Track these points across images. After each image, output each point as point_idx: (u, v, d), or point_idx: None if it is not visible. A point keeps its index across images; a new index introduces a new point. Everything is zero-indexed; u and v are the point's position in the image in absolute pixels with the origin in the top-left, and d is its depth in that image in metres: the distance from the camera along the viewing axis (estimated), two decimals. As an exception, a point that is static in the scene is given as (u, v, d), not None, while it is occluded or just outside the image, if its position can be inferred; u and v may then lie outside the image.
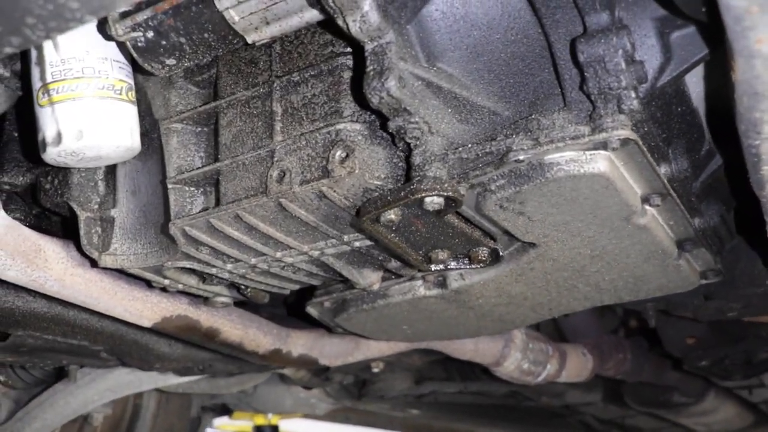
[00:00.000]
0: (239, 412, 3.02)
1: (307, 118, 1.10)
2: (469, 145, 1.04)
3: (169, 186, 1.20)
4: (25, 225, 1.40)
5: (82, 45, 1.14)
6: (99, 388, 2.03)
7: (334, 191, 1.06)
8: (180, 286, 1.38)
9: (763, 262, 1.53)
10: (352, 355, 1.99)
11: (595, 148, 0.99)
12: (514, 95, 1.06)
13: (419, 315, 1.59)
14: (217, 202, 1.18)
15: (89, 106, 1.13)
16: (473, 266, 1.27)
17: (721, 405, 3.16)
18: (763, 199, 1.08)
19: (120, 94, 1.17)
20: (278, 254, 1.26)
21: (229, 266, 1.30)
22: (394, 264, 1.34)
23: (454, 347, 2.02)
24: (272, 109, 1.13)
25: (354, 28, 0.96)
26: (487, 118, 1.07)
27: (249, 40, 1.06)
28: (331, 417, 3.40)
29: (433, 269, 1.28)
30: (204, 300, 1.52)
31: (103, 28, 1.10)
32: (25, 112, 1.35)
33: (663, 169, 1.11)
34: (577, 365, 2.27)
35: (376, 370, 2.17)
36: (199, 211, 1.21)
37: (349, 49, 1.09)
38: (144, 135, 1.24)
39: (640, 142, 0.98)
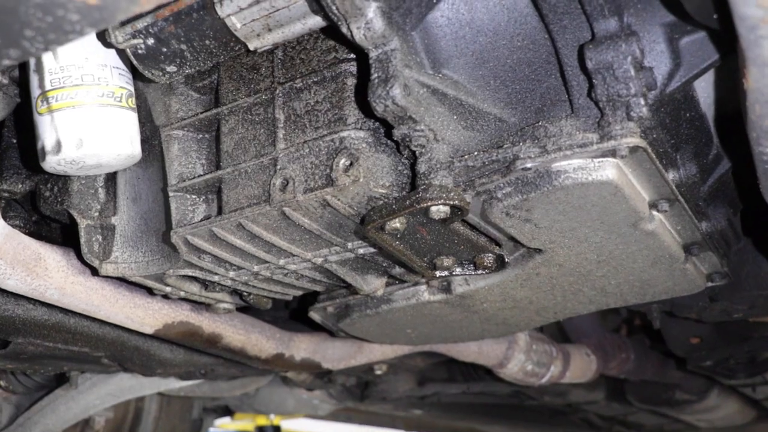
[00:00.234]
0: (241, 413, 3.01)
1: (310, 126, 1.08)
2: (475, 153, 1.03)
3: (171, 194, 1.19)
4: (25, 231, 1.39)
5: (81, 52, 1.12)
6: (100, 393, 2.02)
7: (338, 200, 1.05)
8: (182, 294, 1.37)
9: (771, 266, 1.52)
10: (355, 359, 1.97)
11: (604, 156, 0.97)
12: (521, 102, 1.04)
13: (423, 319, 1.58)
14: (219, 211, 1.16)
15: (89, 113, 1.12)
16: (478, 272, 1.26)
17: (724, 402, 3.16)
18: (773, 205, 1.06)
19: (120, 101, 1.15)
20: (281, 262, 1.24)
21: (231, 274, 1.29)
22: (398, 270, 1.33)
23: (457, 349, 2.01)
24: (275, 116, 1.12)
25: (358, 36, 0.94)
26: (493, 124, 1.05)
27: (251, 47, 1.04)
28: (333, 416, 3.39)
29: (437, 275, 1.27)
30: (206, 306, 1.51)
31: (102, 35, 1.08)
32: (24, 118, 1.34)
33: (671, 175, 1.10)
34: (580, 366, 2.26)
35: (379, 372, 2.15)
36: (201, 219, 1.19)
37: (352, 55, 1.08)
38: (144, 142, 1.23)
39: (649, 150, 0.97)
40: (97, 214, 1.29)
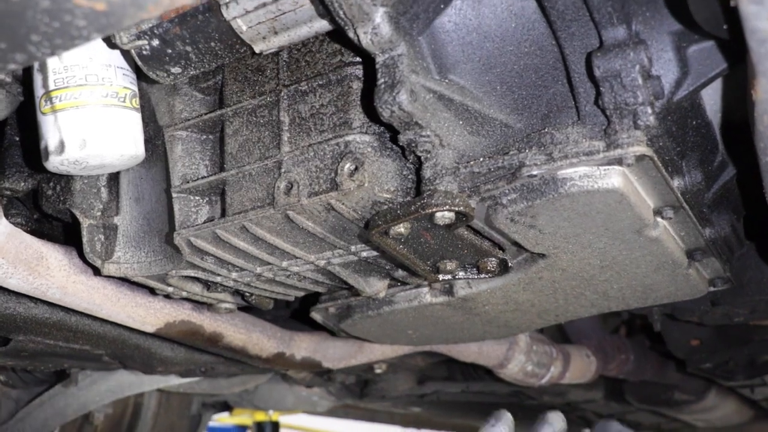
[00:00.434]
0: (239, 409, 3.01)
1: (315, 129, 1.08)
2: (481, 159, 1.03)
3: (174, 195, 1.18)
4: (26, 229, 1.38)
5: (86, 52, 1.12)
6: (100, 389, 2.02)
7: (343, 204, 1.04)
8: (184, 294, 1.37)
9: (773, 272, 1.52)
10: (356, 358, 1.97)
11: (610, 164, 0.97)
12: (527, 107, 1.04)
13: (425, 321, 1.57)
14: (223, 213, 1.16)
15: (93, 114, 1.11)
16: (481, 276, 1.26)
17: (722, 402, 3.17)
18: (778, 214, 1.06)
19: (124, 101, 1.15)
20: (284, 264, 1.24)
21: (234, 275, 1.29)
22: (400, 273, 1.33)
23: (458, 350, 2.01)
24: (279, 119, 1.11)
25: (365, 41, 0.93)
26: (498, 130, 1.05)
27: (257, 50, 1.04)
28: (331, 412, 3.40)
29: (440, 279, 1.27)
30: (208, 306, 1.51)
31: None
32: (26, 116, 1.33)
33: (676, 182, 1.10)
34: (580, 367, 2.26)
35: (378, 371, 2.15)
36: (205, 221, 1.19)
37: (358, 59, 1.07)
38: (148, 141, 1.22)
39: (656, 158, 0.96)
40: (99, 213, 1.29)
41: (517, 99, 1.04)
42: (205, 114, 1.19)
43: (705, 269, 1.41)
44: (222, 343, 1.64)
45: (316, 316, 1.59)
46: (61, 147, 1.11)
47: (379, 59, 0.96)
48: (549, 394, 2.78)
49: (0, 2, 0.66)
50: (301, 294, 1.45)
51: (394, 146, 1.06)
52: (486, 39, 1.01)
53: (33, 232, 1.37)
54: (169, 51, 1.05)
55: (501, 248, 1.24)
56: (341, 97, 1.07)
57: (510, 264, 1.24)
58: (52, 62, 1.11)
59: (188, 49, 1.05)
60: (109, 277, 1.31)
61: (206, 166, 1.21)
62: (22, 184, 1.35)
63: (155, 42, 1.04)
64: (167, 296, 1.40)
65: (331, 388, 2.71)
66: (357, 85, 1.06)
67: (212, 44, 1.04)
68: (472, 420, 3.65)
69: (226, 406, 3.08)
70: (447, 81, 1.01)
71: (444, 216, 1.00)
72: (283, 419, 3.83)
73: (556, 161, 0.97)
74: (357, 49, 0.98)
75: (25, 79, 1.21)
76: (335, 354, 1.94)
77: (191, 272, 1.26)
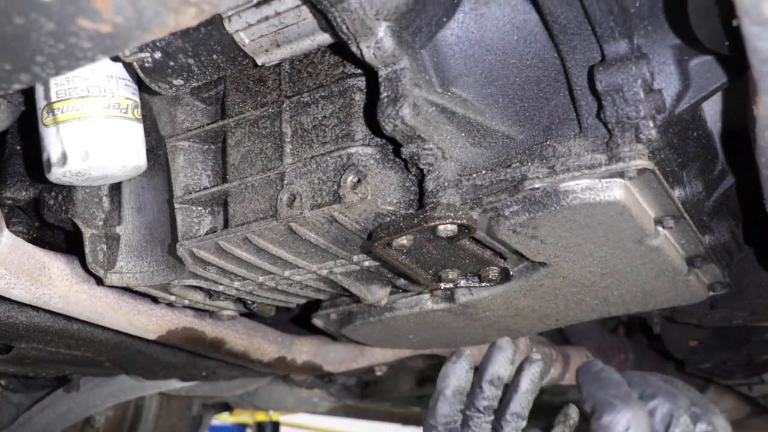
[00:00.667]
0: (240, 409, 3.02)
1: (317, 141, 1.08)
2: (483, 171, 1.03)
3: (177, 206, 1.19)
4: (28, 238, 1.38)
5: (88, 64, 1.11)
6: (101, 393, 2.02)
7: (346, 216, 1.05)
8: (186, 302, 1.37)
9: (772, 278, 1.53)
10: (356, 362, 1.98)
11: (612, 176, 0.98)
12: (529, 119, 1.04)
13: (426, 326, 1.58)
14: (226, 224, 1.16)
15: (95, 126, 1.11)
16: (483, 285, 1.26)
17: (720, 399, 3.18)
18: (778, 224, 1.07)
19: (126, 112, 1.15)
20: (286, 273, 1.24)
21: (236, 284, 1.29)
22: (402, 281, 1.33)
23: (458, 353, 2.01)
24: (282, 130, 1.11)
25: (368, 54, 0.94)
26: (501, 142, 1.05)
27: (259, 62, 1.04)
28: (331, 411, 3.40)
29: (442, 287, 1.27)
30: (210, 313, 1.51)
31: (109, 48, 1.07)
32: (28, 126, 1.33)
33: (677, 193, 1.10)
34: (580, 368, 2.27)
35: (379, 373, 2.16)
36: (207, 232, 1.19)
37: (360, 70, 1.07)
38: (149, 151, 1.22)
39: (657, 171, 0.97)
40: (101, 223, 1.29)
41: (519, 111, 1.04)
42: (207, 124, 1.19)
43: (704, 275, 1.42)
44: (224, 349, 1.65)
45: (317, 322, 1.60)
46: (64, 159, 1.11)
47: (382, 73, 0.96)
48: (549, 394, 2.79)
49: (5, 25, 0.66)
50: (303, 301, 1.45)
51: (396, 158, 1.06)
52: (488, 52, 1.01)
53: (34, 241, 1.38)
54: (172, 63, 1.05)
55: (502, 257, 1.24)
56: (343, 109, 1.07)
57: (511, 272, 1.25)
58: (54, 74, 1.11)
59: (190, 61, 1.05)
60: (111, 286, 1.31)
61: (208, 176, 1.21)
62: (24, 193, 1.35)
63: (158, 54, 1.04)
64: (169, 304, 1.40)
65: (332, 390, 2.72)
66: (359, 97, 1.07)
67: (214, 57, 1.04)
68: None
69: (226, 407, 3.08)
70: (449, 94, 1.01)
71: (447, 229, 1.00)
72: (284, 417, 3.84)
73: (558, 174, 0.98)
74: (359, 62, 0.98)
75: (27, 89, 1.21)
76: (336, 357, 1.95)
77: (194, 282, 1.27)
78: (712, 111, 1.12)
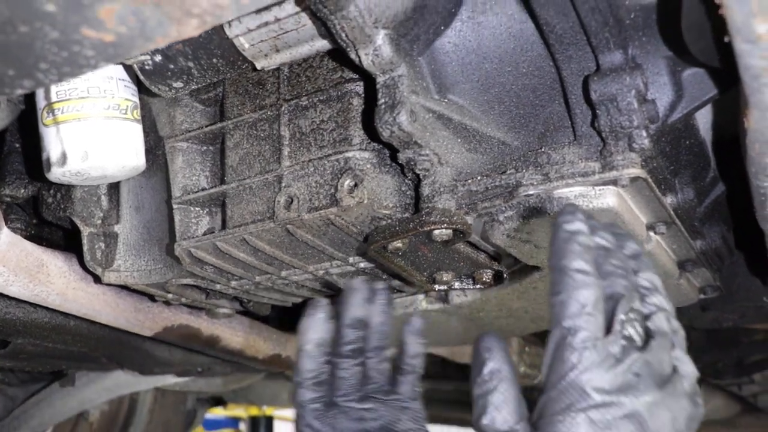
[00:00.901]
0: (234, 404, 3.03)
1: (315, 144, 1.09)
2: (479, 177, 1.04)
3: (175, 206, 1.20)
4: (25, 234, 1.39)
5: (88, 65, 1.12)
6: (97, 388, 2.03)
7: (342, 219, 1.06)
8: (183, 300, 1.39)
9: (761, 282, 1.55)
10: (351, 359, 1.99)
11: (605, 184, 0.99)
12: (524, 126, 1.06)
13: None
14: (223, 224, 1.17)
15: (95, 126, 1.12)
16: (477, 287, 1.28)
17: (710, 398, 3.21)
18: (767, 232, 1.09)
19: (125, 113, 1.16)
20: (283, 273, 1.26)
21: (233, 283, 1.30)
22: (397, 282, 1.35)
23: (452, 351, 2.03)
24: (280, 133, 1.12)
25: (366, 62, 0.95)
26: (496, 148, 1.07)
27: (258, 66, 1.05)
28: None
29: (437, 289, 1.29)
30: (206, 311, 1.52)
31: (109, 49, 1.08)
32: (26, 124, 1.34)
33: (669, 199, 1.12)
34: (571, 367, 2.29)
35: (372, 370, 2.17)
36: (205, 232, 1.20)
37: (358, 75, 1.08)
38: (148, 151, 1.23)
39: (650, 179, 0.98)
40: (99, 221, 1.30)
41: (515, 118, 1.05)
42: (206, 126, 1.20)
43: (695, 278, 1.44)
44: (219, 346, 1.66)
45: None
46: (64, 159, 1.12)
47: (380, 79, 0.97)
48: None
49: (10, 33, 0.67)
50: (299, 300, 1.47)
51: (393, 163, 1.08)
52: (485, 60, 1.02)
53: (32, 237, 1.39)
54: (172, 66, 1.06)
55: (496, 260, 1.26)
56: (341, 114, 1.08)
57: (505, 275, 1.26)
58: (55, 75, 1.12)
59: (190, 64, 1.06)
60: (109, 284, 1.33)
61: (206, 177, 1.23)
62: (23, 191, 1.36)
63: (158, 57, 1.05)
64: (166, 302, 1.41)
65: (325, 386, 2.73)
66: (357, 102, 1.08)
67: (214, 60, 1.05)
68: (466, 414, 3.69)
69: (220, 401, 3.10)
70: (446, 100, 1.03)
71: (442, 233, 1.02)
72: (278, 412, 3.86)
73: (552, 181, 0.99)
74: (357, 68, 0.99)
75: (27, 88, 1.22)
76: (330, 355, 1.96)
77: (191, 281, 1.28)
78: (704, 120, 1.14)
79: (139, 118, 1.19)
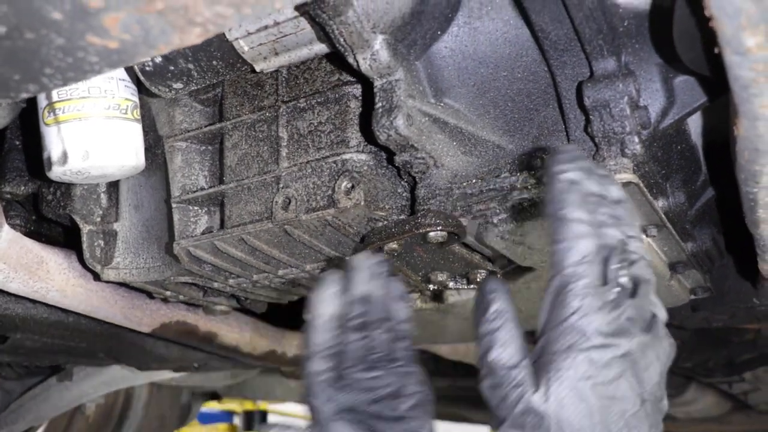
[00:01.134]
0: (228, 398, 3.05)
1: (313, 146, 1.11)
2: (474, 180, 1.06)
3: (174, 205, 1.21)
4: (25, 231, 1.41)
5: (89, 65, 1.13)
6: (94, 382, 2.05)
7: (339, 220, 1.08)
8: (181, 298, 1.40)
9: (751, 283, 1.57)
10: (346, 356, 2.01)
11: (597, 188, 1.01)
12: (519, 130, 1.07)
13: (415, 323, 1.61)
14: (222, 224, 1.19)
15: (95, 126, 1.14)
16: (471, 287, 1.30)
17: (701, 396, 3.24)
18: (757, 236, 1.11)
19: (126, 113, 1.17)
20: (280, 272, 1.27)
21: (231, 281, 1.32)
22: (392, 281, 1.36)
23: (446, 349, 2.05)
24: (278, 134, 1.14)
25: (364, 66, 0.96)
26: (491, 151, 1.08)
27: (257, 69, 1.07)
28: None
29: (431, 289, 1.31)
30: (203, 308, 1.54)
31: (110, 50, 1.10)
32: (27, 121, 1.35)
33: (660, 203, 1.14)
34: (564, 365, 2.31)
35: (367, 366, 2.19)
36: (203, 231, 1.22)
37: (356, 78, 1.10)
38: (147, 150, 1.25)
39: (641, 184, 1.00)
40: (99, 219, 1.31)
41: (510, 122, 1.07)
42: (205, 126, 1.22)
43: (686, 280, 1.46)
44: (216, 342, 1.68)
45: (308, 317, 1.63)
46: (64, 158, 1.13)
47: (377, 83, 0.99)
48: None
49: (17, 39, 0.69)
50: (295, 298, 1.48)
51: (389, 165, 1.09)
52: (481, 64, 1.04)
53: (31, 234, 1.40)
54: (172, 68, 1.07)
55: (490, 260, 1.28)
56: (339, 116, 1.10)
57: (499, 276, 1.28)
58: (56, 75, 1.13)
59: (190, 66, 1.07)
60: (108, 281, 1.34)
61: (205, 176, 1.24)
62: (23, 188, 1.37)
63: (158, 59, 1.06)
64: (164, 299, 1.43)
65: (320, 381, 2.75)
66: (354, 104, 1.09)
67: (214, 62, 1.07)
68: (460, 410, 3.72)
69: (215, 395, 3.12)
70: (442, 104, 1.04)
71: (437, 235, 1.03)
72: (272, 405, 3.88)
73: (545, 185, 1.01)
74: (355, 71, 1.01)
75: (27, 87, 1.23)
76: (326, 351, 1.98)
77: (189, 279, 1.30)
78: (696, 125, 1.16)
79: (139, 117, 1.20)
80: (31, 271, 1.28)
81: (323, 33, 0.96)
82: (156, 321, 1.52)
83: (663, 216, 1.14)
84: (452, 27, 1.02)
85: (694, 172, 1.21)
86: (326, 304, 1.00)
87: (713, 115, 1.15)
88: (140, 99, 1.23)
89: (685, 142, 1.13)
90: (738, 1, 0.65)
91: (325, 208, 1.07)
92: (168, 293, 1.36)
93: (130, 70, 1.18)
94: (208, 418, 4.31)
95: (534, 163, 1.04)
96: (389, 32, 0.95)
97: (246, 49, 1.04)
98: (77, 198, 1.31)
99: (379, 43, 0.95)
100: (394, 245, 1.08)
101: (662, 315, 0.81)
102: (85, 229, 1.30)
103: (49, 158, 1.15)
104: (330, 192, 1.07)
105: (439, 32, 1.01)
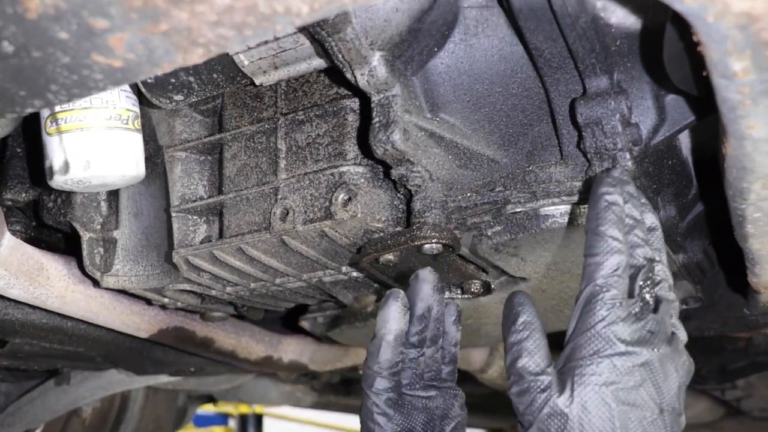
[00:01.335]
0: (224, 402, 3.06)
1: (311, 158, 1.13)
2: (468, 194, 1.08)
3: (173, 214, 1.23)
4: (25, 237, 1.42)
5: (91, 76, 1.15)
6: (91, 386, 2.06)
7: (336, 232, 1.10)
8: (179, 304, 1.42)
9: (742, 295, 1.59)
10: (341, 361, 2.03)
11: (589, 203, 1.03)
12: (513, 144, 1.09)
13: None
14: (220, 233, 1.20)
15: (97, 136, 1.15)
16: (466, 297, 1.32)
17: (694, 402, 3.26)
18: (746, 250, 1.13)
19: (127, 123, 1.19)
20: (277, 281, 1.29)
21: (228, 289, 1.34)
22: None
23: (440, 355, 2.07)
24: (277, 146, 1.16)
25: (362, 82, 0.98)
26: (486, 165, 1.10)
27: (257, 82, 1.08)
28: (315, 404, 3.46)
29: (426, 298, 1.32)
30: (201, 314, 1.56)
31: (112, 62, 1.11)
32: (28, 130, 1.37)
33: (652, 217, 1.16)
34: (558, 371, 2.33)
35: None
36: (202, 240, 1.24)
37: (353, 92, 1.12)
38: (147, 159, 1.26)
39: (632, 199, 1.02)
40: (99, 227, 1.33)
41: (504, 136, 1.09)
42: (205, 137, 1.24)
43: (678, 290, 1.48)
44: (213, 348, 1.70)
45: (304, 324, 1.65)
46: (66, 167, 1.15)
47: (375, 99, 1.01)
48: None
49: (24, 57, 0.70)
50: (292, 305, 1.50)
51: (386, 178, 1.11)
52: (476, 80, 1.06)
53: (31, 240, 1.42)
54: (173, 80, 1.09)
55: (484, 271, 1.30)
56: (337, 129, 1.12)
57: (492, 286, 1.30)
58: (58, 86, 1.15)
59: (191, 79, 1.09)
60: (107, 288, 1.36)
61: (204, 186, 1.26)
62: (24, 195, 1.39)
63: (159, 71, 1.08)
64: (162, 306, 1.45)
65: (316, 386, 2.77)
66: (352, 118, 1.11)
67: (214, 75, 1.09)
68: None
69: (211, 398, 3.13)
70: (438, 119, 1.06)
71: (432, 247, 1.05)
72: (267, 409, 3.89)
73: (539, 199, 1.03)
74: (353, 86, 1.03)
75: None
76: (321, 357, 2.00)
77: (187, 286, 1.31)
78: (687, 140, 1.18)
79: (140, 127, 1.22)
80: (32, 278, 1.30)
81: (322, 49, 0.98)
82: (154, 327, 1.54)
83: (654, 229, 1.16)
84: (449, 44, 1.04)
85: (686, 186, 1.23)
86: (393, 322, 1.01)
87: (704, 131, 1.17)
88: (141, 109, 1.25)
89: (677, 158, 1.15)
90: (724, 28, 0.67)
91: (323, 219, 1.09)
92: (166, 300, 1.38)
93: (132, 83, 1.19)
94: (203, 421, 4.33)
95: (528, 178, 1.06)
96: (387, 49, 0.97)
97: (246, 63, 1.06)
98: (78, 206, 1.33)
99: (376, 59, 0.97)
100: (390, 256, 1.10)
101: (683, 336, 0.88)
102: (85, 236, 1.32)
103: (50, 167, 1.16)
104: (327, 204, 1.09)
105: (435, 49, 1.03)
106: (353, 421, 3.95)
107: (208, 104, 1.26)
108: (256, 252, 1.17)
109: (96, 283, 1.35)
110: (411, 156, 1.02)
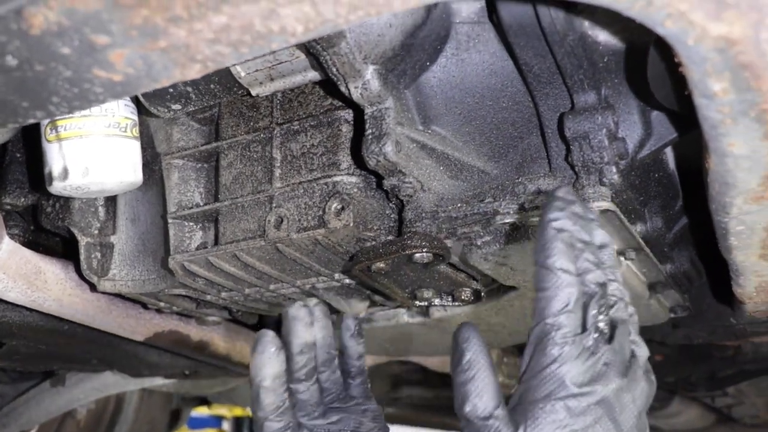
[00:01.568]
0: (218, 404, 3.08)
1: (305, 167, 1.15)
2: (459, 204, 1.11)
3: (170, 221, 1.25)
4: (23, 240, 1.44)
5: (91, 85, 1.17)
6: (85, 388, 2.08)
7: (329, 240, 1.12)
8: (174, 309, 1.44)
9: (729, 305, 1.62)
10: (334, 366, 2.05)
11: (577, 214, 1.05)
12: (503, 156, 1.12)
13: (402, 337, 1.66)
14: (216, 240, 1.23)
15: (96, 144, 1.18)
16: (456, 304, 1.34)
17: (685, 409, 3.29)
18: (730, 261, 1.15)
19: (125, 131, 1.21)
20: (271, 287, 1.32)
21: (223, 294, 1.36)
22: (379, 297, 1.41)
23: (432, 360, 2.09)
24: (272, 155, 1.18)
25: (355, 94, 1.01)
26: (476, 176, 1.13)
27: (253, 93, 1.11)
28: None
29: (417, 305, 1.35)
30: (196, 318, 1.58)
31: (112, 72, 1.14)
32: (27, 135, 1.39)
33: (638, 228, 1.18)
34: (549, 377, 2.35)
35: (355, 376, 2.23)
36: (198, 246, 1.26)
37: (347, 104, 1.14)
38: (145, 166, 1.29)
39: (618, 212, 1.05)
40: (96, 232, 1.35)
41: (494, 149, 1.12)
42: (202, 145, 1.26)
43: (666, 299, 1.51)
44: (208, 351, 1.72)
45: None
46: (65, 174, 1.17)
47: (368, 111, 1.03)
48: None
49: (27, 71, 0.73)
50: (286, 311, 1.52)
51: (378, 188, 1.14)
52: (467, 94, 1.08)
53: (29, 244, 1.44)
54: (171, 90, 1.12)
55: (475, 279, 1.32)
56: (331, 139, 1.14)
57: (483, 293, 1.33)
58: (58, 94, 1.17)
59: (189, 89, 1.12)
60: (104, 292, 1.38)
61: (201, 193, 1.28)
62: (23, 200, 1.41)
63: (158, 81, 1.10)
64: (158, 310, 1.47)
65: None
66: (346, 128, 1.14)
67: (211, 86, 1.11)
68: (445, 418, 3.76)
69: (205, 400, 3.15)
70: (430, 131, 1.09)
71: (423, 256, 1.08)
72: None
73: (527, 211, 1.06)
74: (347, 98, 1.05)
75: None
76: (315, 361, 2.02)
77: (183, 291, 1.34)
78: (674, 152, 1.21)
79: (138, 135, 1.24)
80: (30, 281, 1.32)
81: (317, 62, 1.00)
82: (150, 330, 1.56)
83: (640, 240, 1.18)
84: (441, 58, 1.07)
85: (672, 198, 1.26)
86: (266, 368, 1.00)
87: (691, 143, 1.19)
88: (139, 117, 1.27)
89: (663, 170, 1.18)
90: (704, 51, 0.70)
91: (316, 228, 1.11)
92: (162, 304, 1.40)
93: (130, 90, 1.22)
94: (197, 423, 4.34)
95: (517, 189, 1.08)
96: (380, 63, 0.99)
97: (243, 74, 1.08)
98: (76, 211, 1.35)
99: (370, 73, 0.99)
100: (381, 264, 1.12)
101: (642, 353, 0.84)
102: (82, 241, 1.34)
103: (50, 173, 1.19)
104: (321, 213, 1.12)
105: (428, 63, 1.06)
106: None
107: (205, 113, 1.28)
108: (250, 259, 1.20)
109: (93, 287, 1.37)
110: (403, 167, 1.04)
